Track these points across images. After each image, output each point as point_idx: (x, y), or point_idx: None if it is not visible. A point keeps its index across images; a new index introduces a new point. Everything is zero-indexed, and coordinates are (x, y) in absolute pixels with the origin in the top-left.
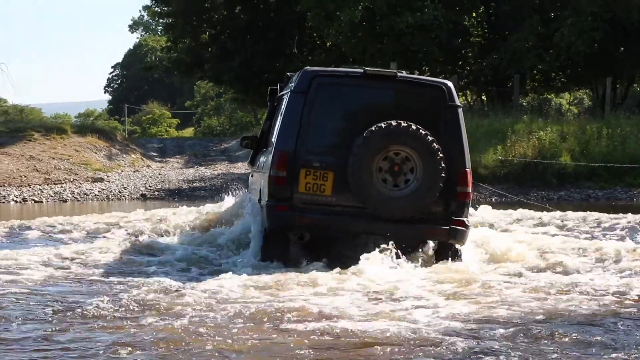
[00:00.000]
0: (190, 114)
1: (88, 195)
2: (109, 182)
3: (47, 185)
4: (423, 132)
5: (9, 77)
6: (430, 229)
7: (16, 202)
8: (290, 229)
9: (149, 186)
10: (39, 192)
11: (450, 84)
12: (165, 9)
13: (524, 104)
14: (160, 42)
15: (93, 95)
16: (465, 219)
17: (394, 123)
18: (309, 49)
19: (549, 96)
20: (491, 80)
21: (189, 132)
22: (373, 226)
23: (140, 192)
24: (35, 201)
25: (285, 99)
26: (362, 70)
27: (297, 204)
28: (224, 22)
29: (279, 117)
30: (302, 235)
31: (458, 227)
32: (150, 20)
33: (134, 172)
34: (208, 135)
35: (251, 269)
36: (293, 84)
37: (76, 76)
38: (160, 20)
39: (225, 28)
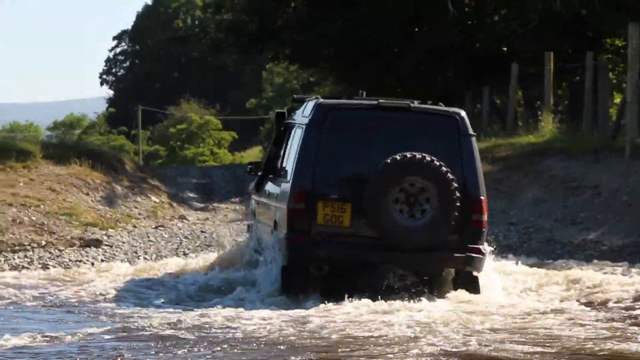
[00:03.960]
0: (256, 122)
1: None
2: (110, 246)
3: None
4: (437, 163)
5: None
6: (447, 258)
7: None
8: (309, 262)
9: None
10: None
11: (463, 113)
12: None
13: None
14: None
15: (81, 90)
16: (481, 247)
17: (408, 155)
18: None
19: None
20: None
21: (254, 153)
22: (391, 256)
23: None
24: None
25: (300, 132)
26: (375, 102)
27: (316, 236)
28: None
29: (295, 148)
30: (321, 267)
31: (474, 255)
32: None
33: (155, 228)
34: None
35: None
36: (308, 117)
37: (55, 60)
38: None
39: None
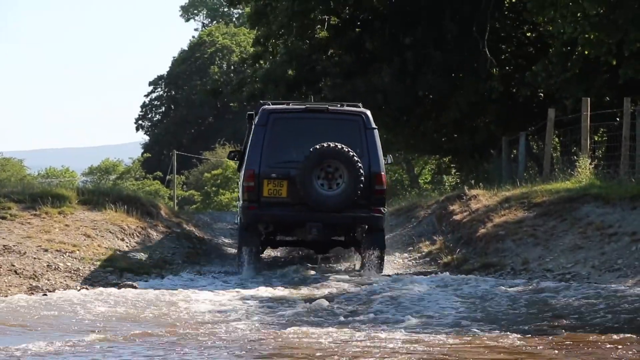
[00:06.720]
0: None
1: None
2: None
3: (34, 297)
4: (346, 150)
5: None
6: (356, 215)
7: None
8: (259, 222)
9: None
10: None
11: (368, 112)
12: None
13: None
14: (238, 38)
15: (117, 135)
16: (381, 208)
17: (325, 145)
18: (512, 45)
19: None
20: None
21: None
22: (316, 216)
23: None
24: None
25: (252, 129)
26: (304, 106)
27: (263, 205)
28: (358, 5)
29: (250, 142)
30: (267, 226)
31: (376, 214)
32: None
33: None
34: None
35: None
36: (257, 119)
37: (91, 105)
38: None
39: (361, 13)
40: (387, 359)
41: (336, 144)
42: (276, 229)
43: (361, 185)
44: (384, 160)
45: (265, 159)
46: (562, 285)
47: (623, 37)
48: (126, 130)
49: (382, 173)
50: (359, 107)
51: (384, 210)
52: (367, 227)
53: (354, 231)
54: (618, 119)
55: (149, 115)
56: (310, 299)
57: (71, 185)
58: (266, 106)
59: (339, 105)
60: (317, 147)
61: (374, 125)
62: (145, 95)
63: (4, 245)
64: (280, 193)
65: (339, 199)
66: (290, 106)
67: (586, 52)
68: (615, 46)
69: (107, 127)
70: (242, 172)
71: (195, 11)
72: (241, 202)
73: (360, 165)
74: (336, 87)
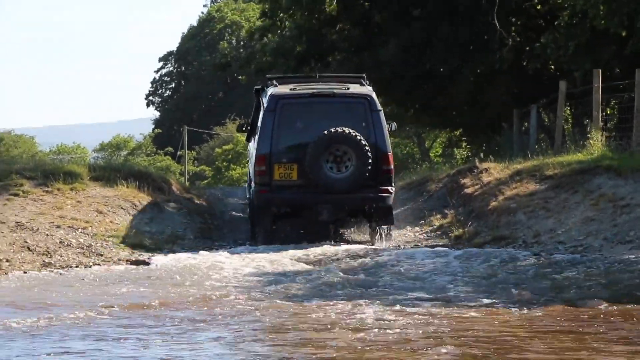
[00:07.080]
0: None
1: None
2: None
3: (47, 273)
4: (354, 134)
5: None
6: (365, 196)
7: None
8: (271, 205)
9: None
10: None
11: (373, 94)
12: None
13: None
14: (247, 13)
15: (128, 111)
16: (389, 187)
17: (332, 130)
18: (523, 17)
19: None
20: None
21: None
22: (326, 197)
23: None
24: None
25: (261, 114)
26: (311, 91)
27: (274, 188)
28: None
29: (259, 126)
30: (279, 208)
31: (384, 194)
32: None
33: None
34: None
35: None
36: (266, 104)
37: (101, 81)
38: None
39: None
40: (394, 331)
41: (344, 129)
42: (288, 209)
43: (369, 168)
44: (387, 128)
45: (275, 144)
46: (575, 258)
47: (635, 8)
48: (137, 106)
49: (389, 153)
50: (364, 79)
51: (392, 189)
52: (375, 206)
53: (363, 209)
54: (627, 94)
55: (159, 91)
56: (320, 272)
57: (83, 161)
58: (274, 90)
59: (344, 88)
60: (326, 132)
61: (379, 107)
62: (155, 71)
63: (17, 222)
64: (291, 176)
65: (348, 181)
66: (298, 91)
67: (595, 24)
68: (626, 18)
69: (117, 103)
70: (253, 153)
71: None
72: (253, 185)
73: (367, 148)
74: (345, 61)
